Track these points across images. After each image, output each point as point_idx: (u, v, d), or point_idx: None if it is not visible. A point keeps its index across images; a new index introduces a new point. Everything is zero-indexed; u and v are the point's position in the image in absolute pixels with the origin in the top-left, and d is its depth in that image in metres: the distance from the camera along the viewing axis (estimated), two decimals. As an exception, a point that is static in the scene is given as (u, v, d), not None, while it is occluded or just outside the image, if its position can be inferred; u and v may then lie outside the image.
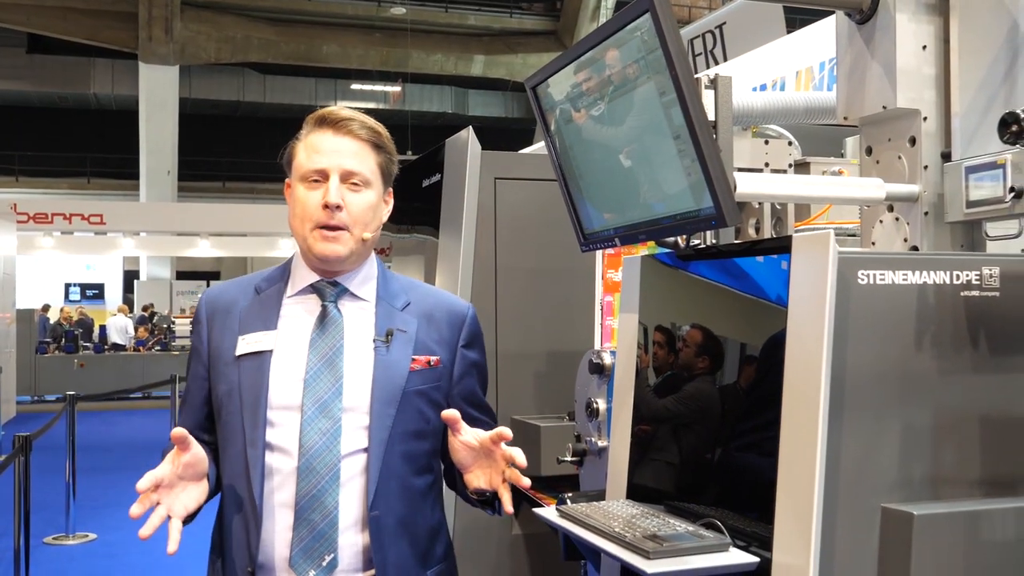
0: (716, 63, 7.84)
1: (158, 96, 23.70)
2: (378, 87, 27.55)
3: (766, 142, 2.59)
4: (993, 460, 1.78)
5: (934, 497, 1.73)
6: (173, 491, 1.72)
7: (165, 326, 19.99)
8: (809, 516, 1.63)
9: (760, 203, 2.51)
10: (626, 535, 1.83)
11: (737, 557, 1.76)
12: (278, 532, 1.78)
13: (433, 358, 1.91)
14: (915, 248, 2.09)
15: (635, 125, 1.96)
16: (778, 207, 2.54)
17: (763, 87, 5.53)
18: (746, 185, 1.94)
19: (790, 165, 2.60)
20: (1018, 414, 1.81)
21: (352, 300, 1.91)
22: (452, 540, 2.04)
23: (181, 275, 26.34)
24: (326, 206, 1.81)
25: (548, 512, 2.12)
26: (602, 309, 3.17)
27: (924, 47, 2.09)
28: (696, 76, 1.83)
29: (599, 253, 3.10)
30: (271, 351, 1.85)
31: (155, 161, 23.96)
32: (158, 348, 18.59)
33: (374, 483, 1.80)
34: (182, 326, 19.52)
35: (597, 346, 3.09)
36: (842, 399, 1.68)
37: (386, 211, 1.95)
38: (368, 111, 1.91)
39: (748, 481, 1.86)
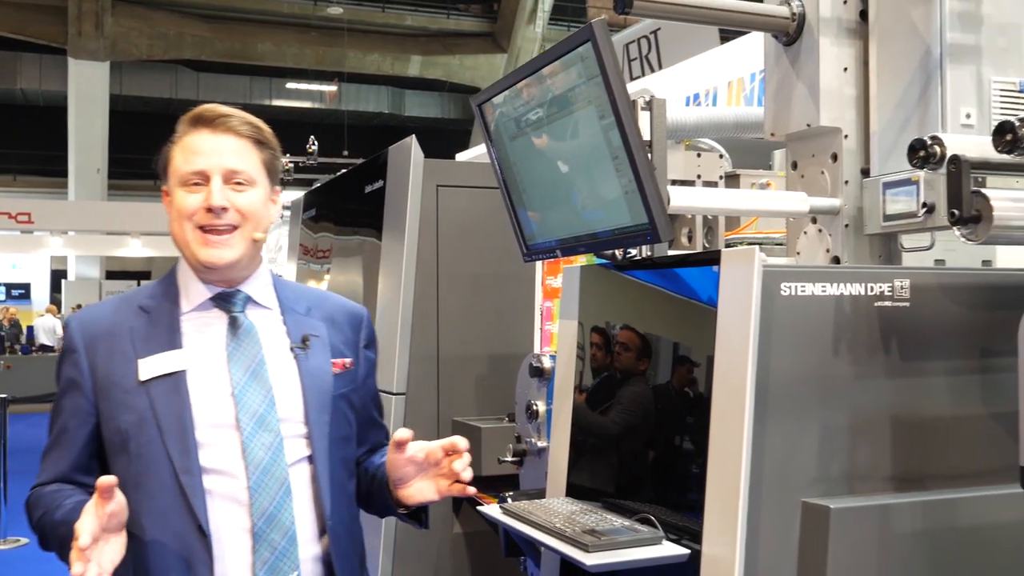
0: (652, 69, 7.99)
1: (88, 92, 23.10)
2: (314, 86, 27.20)
3: (698, 155, 2.70)
4: (903, 458, 1.92)
5: (850, 492, 1.86)
6: (98, 546, 1.49)
7: (95, 327, 19.54)
8: (735, 511, 1.76)
9: (693, 214, 2.63)
10: (566, 530, 1.93)
11: (669, 549, 1.88)
12: (236, 558, 1.65)
13: (347, 360, 1.84)
14: (836, 259, 2.21)
15: (576, 143, 2.06)
16: (710, 218, 2.66)
17: (696, 96, 5.68)
18: (679, 199, 2.05)
19: (721, 177, 2.72)
20: (926, 415, 1.96)
21: (256, 308, 1.79)
22: (395, 538, 2.06)
23: (111, 275, 25.72)
24: (210, 209, 1.68)
25: (491, 510, 2.21)
26: (541, 314, 3.27)
27: (845, 69, 2.22)
28: (633, 99, 1.94)
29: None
30: (184, 371, 1.69)
31: (84, 159, 23.37)
32: (88, 349, 18.17)
33: (326, 492, 1.73)
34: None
35: (537, 350, 3.19)
36: (766, 402, 1.80)
37: (275, 210, 1.81)
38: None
39: (679, 478, 1.97)
